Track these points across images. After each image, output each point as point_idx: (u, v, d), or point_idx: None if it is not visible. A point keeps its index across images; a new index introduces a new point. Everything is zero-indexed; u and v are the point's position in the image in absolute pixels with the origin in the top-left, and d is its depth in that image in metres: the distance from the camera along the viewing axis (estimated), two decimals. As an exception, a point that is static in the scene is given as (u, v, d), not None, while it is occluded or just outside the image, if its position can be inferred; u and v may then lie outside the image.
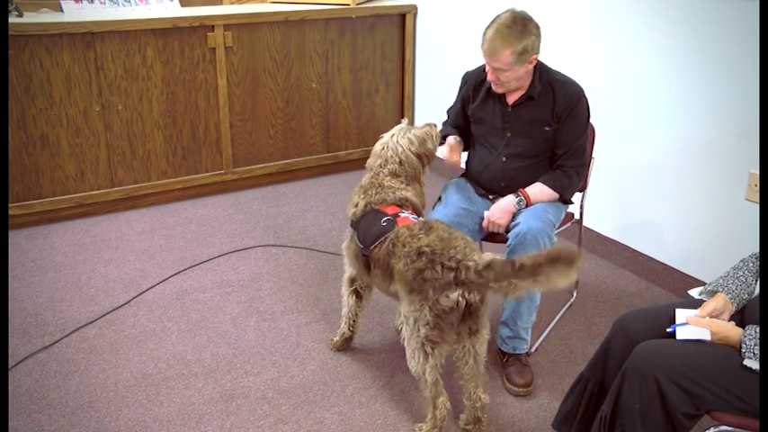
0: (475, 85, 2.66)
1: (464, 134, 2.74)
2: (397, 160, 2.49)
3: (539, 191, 2.55)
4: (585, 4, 3.33)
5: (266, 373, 2.60)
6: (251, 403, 2.43)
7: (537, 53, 2.43)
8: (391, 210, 2.37)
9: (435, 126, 2.64)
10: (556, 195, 2.57)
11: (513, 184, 2.60)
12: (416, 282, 2.10)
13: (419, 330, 2.11)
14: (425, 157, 2.57)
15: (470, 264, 2.04)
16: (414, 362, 2.18)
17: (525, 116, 2.55)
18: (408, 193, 2.47)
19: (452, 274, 2.04)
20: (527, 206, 2.53)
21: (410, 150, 2.51)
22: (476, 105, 2.65)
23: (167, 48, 3.82)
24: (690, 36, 2.88)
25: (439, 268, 2.06)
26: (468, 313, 2.11)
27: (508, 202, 2.54)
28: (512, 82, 2.46)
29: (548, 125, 2.53)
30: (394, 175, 2.48)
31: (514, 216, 2.52)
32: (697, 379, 1.71)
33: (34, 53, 3.52)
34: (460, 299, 2.04)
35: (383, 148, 2.53)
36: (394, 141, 2.52)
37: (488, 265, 2.03)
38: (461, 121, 2.74)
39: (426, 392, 2.20)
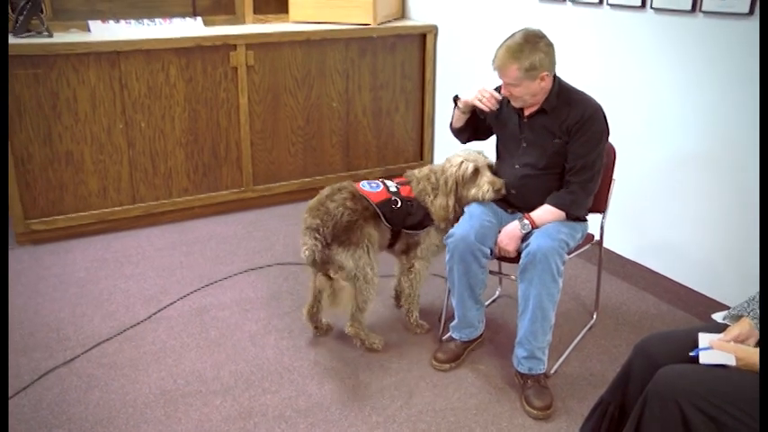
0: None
1: (477, 125, 2.84)
2: (443, 179, 2.75)
3: (543, 212, 2.57)
4: (597, 23, 3.33)
5: (284, 391, 2.60)
6: (268, 421, 2.43)
7: (548, 70, 2.47)
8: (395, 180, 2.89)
9: (500, 184, 2.72)
10: (561, 214, 2.57)
11: (524, 192, 2.65)
12: None
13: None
14: (462, 199, 2.75)
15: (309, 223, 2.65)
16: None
17: (537, 127, 2.60)
18: (418, 186, 2.79)
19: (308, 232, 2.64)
20: (533, 229, 2.53)
21: (454, 178, 2.73)
22: (500, 109, 2.73)
23: (190, 66, 3.88)
24: (702, 51, 2.87)
25: (303, 225, 2.68)
26: (321, 263, 2.63)
27: (514, 227, 2.56)
28: (525, 97, 2.52)
29: (557, 137, 2.56)
30: (430, 182, 2.81)
31: (527, 236, 2.53)
32: (721, 405, 1.68)
33: (62, 72, 3.58)
34: (307, 252, 2.61)
35: (446, 167, 2.79)
36: (450, 165, 2.76)
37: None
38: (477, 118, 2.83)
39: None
